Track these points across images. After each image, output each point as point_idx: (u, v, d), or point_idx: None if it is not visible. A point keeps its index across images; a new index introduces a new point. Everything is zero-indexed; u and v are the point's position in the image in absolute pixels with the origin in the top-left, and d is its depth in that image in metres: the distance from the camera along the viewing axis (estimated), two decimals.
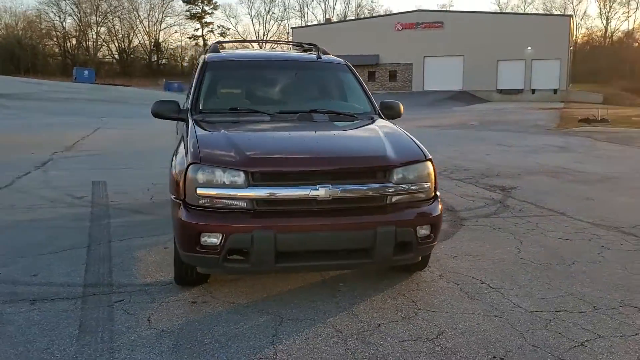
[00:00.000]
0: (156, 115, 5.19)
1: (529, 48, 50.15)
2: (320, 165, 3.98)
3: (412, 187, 4.11)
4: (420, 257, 4.43)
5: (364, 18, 67.06)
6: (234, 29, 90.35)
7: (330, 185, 3.87)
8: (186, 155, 4.11)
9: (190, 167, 3.94)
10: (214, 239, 3.84)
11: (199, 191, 3.88)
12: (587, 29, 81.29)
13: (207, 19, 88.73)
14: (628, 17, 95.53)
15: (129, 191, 8.18)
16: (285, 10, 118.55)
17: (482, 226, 6.42)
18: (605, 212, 7.15)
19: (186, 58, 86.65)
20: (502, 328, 3.78)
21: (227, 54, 5.83)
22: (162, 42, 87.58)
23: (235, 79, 5.57)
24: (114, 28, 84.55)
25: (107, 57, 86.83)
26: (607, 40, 79.79)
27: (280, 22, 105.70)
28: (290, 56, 6.07)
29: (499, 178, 9.77)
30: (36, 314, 3.94)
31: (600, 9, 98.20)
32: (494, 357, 3.40)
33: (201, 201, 3.90)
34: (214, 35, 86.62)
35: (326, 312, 4.01)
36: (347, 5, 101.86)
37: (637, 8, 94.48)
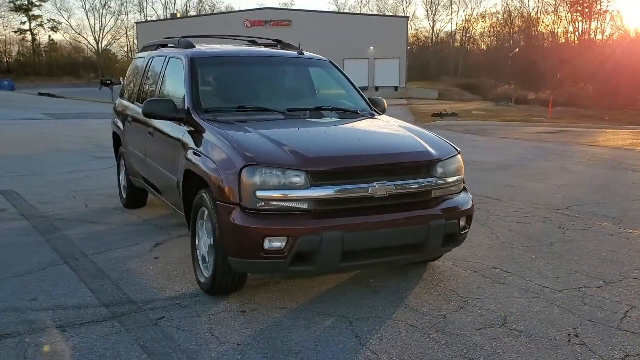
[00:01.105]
0: (150, 115, 4.81)
1: (372, 47, 52.84)
2: (377, 162, 3.97)
3: (450, 180, 4.24)
4: None
5: (213, 14, 65.93)
6: (67, 22, 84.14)
7: (387, 182, 3.88)
8: (231, 157, 3.86)
9: (246, 169, 3.72)
10: (277, 243, 3.67)
11: (259, 194, 3.69)
12: (416, 29, 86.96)
13: (35, 11, 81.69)
14: (451, 19, 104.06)
15: (54, 200, 7.39)
16: (122, 4, 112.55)
17: None
18: (532, 197, 7.85)
19: (13, 54, 79.10)
20: (550, 308, 4.05)
21: (209, 49, 5.52)
22: None
23: (228, 76, 5.30)
24: None
25: None
26: (434, 40, 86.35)
27: (117, 16, 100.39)
28: (276, 52, 5.90)
29: None
30: (79, 342, 3.48)
31: (427, 11, 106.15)
32: (569, 334, 3.65)
33: (259, 204, 3.71)
34: (44, 29, 79.97)
35: (384, 309, 4.00)
36: (188, 1, 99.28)
37: (457, 11, 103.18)
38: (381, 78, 53.33)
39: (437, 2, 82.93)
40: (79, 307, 4.00)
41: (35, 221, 6.35)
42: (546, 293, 4.32)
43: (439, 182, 4.14)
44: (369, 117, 5.10)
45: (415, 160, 4.12)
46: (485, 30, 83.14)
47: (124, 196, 7.00)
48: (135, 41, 61.58)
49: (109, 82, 36.21)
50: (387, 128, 4.79)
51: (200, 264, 4.34)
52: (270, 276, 4.47)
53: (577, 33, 66.83)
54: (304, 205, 3.73)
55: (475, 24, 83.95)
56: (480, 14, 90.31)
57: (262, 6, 56.60)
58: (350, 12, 56.05)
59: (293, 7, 72.41)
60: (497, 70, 57.05)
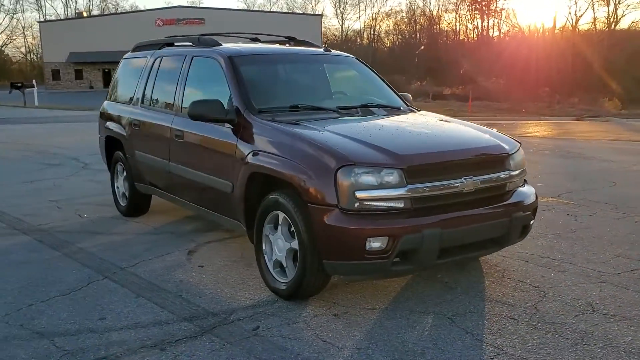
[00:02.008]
0: (198, 117, 4.57)
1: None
2: (466, 157, 3.97)
3: (519, 173, 4.31)
4: None
5: (124, 13, 63.31)
6: None
7: (473, 177, 3.89)
8: (322, 158, 3.72)
9: (343, 169, 3.60)
10: (378, 244, 3.58)
11: (359, 194, 3.58)
12: (325, 27, 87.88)
13: None
14: (359, 17, 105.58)
15: (39, 212, 6.84)
16: (17, 1, 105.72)
17: None
18: None
19: None
20: (623, 291, 4.19)
21: (243, 48, 5.30)
22: None
23: (269, 75, 5.11)
24: None
25: None
26: (343, 38, 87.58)
27: (12, 15, 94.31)
28: (308, 50, 5.76)
29: None
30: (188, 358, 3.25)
31: (335, 9, 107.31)
32: None
33: (357, 204, 3.60)
34: None
35: (473, 304, 3.99)
36: (90, 0, 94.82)
37: (365, 9, 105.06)
38: None
39: (345, 0, 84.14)
40: (158, 323, 3.72)
41: (36, 235, 5.84)
42: (607, 277, 4.48)
43: (512, 174, 4.20)
44: (414, 113, 5.09)
45: (495, 154, 4.15)
46: (391, 28, 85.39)
47: (123, 204, 6.60)
48: (39, 42, 58.17)
49: (20, 85, 33.97)
50: (450, 123, 4.80)
51: (271, 270, 4.17)
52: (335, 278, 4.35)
53: (476, 30, 70.08)
54: (400, 204, 3.67)
55: (382, 22, 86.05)
56: (386, 13, 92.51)
57: (173, 5, 55.06)
58: (265, 10, 55.46)
59: (204, 5, 70.82)
60: (403, 67, 58.62)
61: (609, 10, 54.99)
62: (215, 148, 4.73)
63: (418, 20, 78.31)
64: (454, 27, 74.22)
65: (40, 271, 4.75)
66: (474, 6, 69.13)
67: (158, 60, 5.96)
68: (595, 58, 44.50)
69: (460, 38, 71.68)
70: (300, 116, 4.52)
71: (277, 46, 5.94)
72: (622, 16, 59.31)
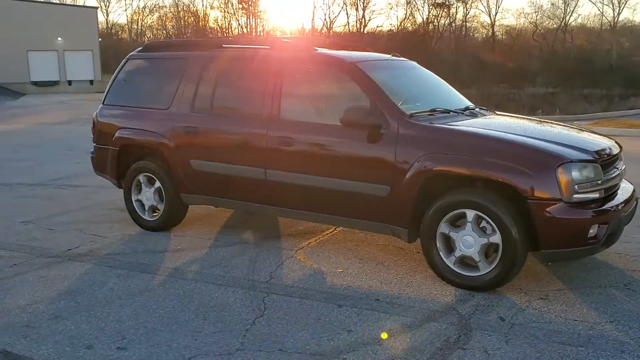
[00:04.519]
0: (351, 124, 4.58)
1: (60, 39, 48.51)
2: (618, 151, 4.66)
3: None
4: None
5: None
6: None
7: (618, 168, 4.61)
8: (536, 156, 4.11)
9: (563, 166, 4.03)
10: (596, 230, 4.10)
11: (578, 188, 4.05)
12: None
13: None
14: (125, 10, 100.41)
15: (53, 236, 5.88)
16: None
17: None
18: None
19: None
20: None
21: (354, 54, 5.34)
22: None
23: (390, 80, 5.13)
24: None
25: None
26: (107, 32, 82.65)
27: None
28: (391, 57, 5.86)
29: None
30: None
31: (99, 2, 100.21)
32: None
33: (575, 197, 4.07)
34: None
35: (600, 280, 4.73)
36: None
37: (131, 3, 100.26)
38: (74, 71, 49.40)
39: None
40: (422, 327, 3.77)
41: (91, 260, 5.10)
42: None
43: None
44: (495, 114, 5.58)
45: (619, 150, 4.88)
46: (155, 24, 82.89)
47: (150, 218, 6.01)
48: None
49: None
50: (547, 123, 5.44)
51: (451, 266, 4.40)
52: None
53: (244, 30, 71.97)
54: (599, 194, 4.22)
55: (147, 17, 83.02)
56: (150, 8, 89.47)
57: None
58: (35, 0, 49.69)
59: None
60: None
61: (357, 14, 61.71)
62: (359, 153, 4.71)
63: (183, 17, 77.47)
64: (222, 25, 75.11)
65: (187, 303, 4.27)
66: (241, 4, 70.88)
67: (216, 63, 5.58)
68: None
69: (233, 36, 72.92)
70: (445, 119, 4.78)
71: (365, 52, 5.97)
72: (369, 20, 66.65)
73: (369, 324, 3.82)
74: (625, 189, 4.67)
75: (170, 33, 77.17)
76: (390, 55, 5.93)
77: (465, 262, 4.38)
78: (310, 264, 4.98)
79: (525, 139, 4.35)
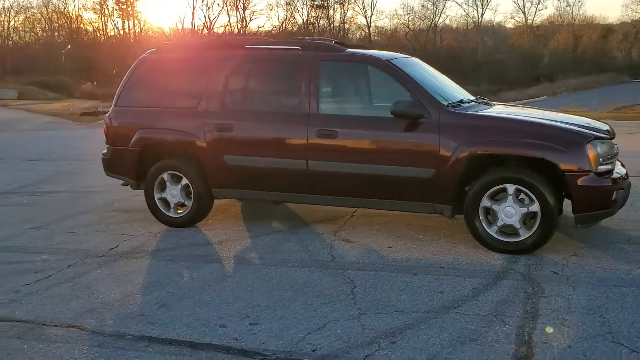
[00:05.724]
0: (401, 115, 5.13)
1: None
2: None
3: None
4: None
5: None
6: None
7: None
8: (567, 135, 4.87)
9: (591, 143, 4.84)
10: (615, 195, 4.95)
11: (602, 160, 4.88)
12: None
13: None
14: None
15: (85, 238, 5.87)
16: None
17: None
18: None
19: None
20: None
21: (378, 53, 5.80)
22: None
23: (417, 75, 5.67)
24: None
25: None
26: None
27: None
28: (404, 55, 6.36)
29: None
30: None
31: None
32: None
33: (599, 168, 4.89)
34: None
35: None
36: None
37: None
38: None
39: None
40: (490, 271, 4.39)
41: (156, 259, 5.25)
42: None
43: None
44: (499, 104, 6.35)
45: None
46: (20, 25, 77.62)
47: (176, 215, 6.17)
48: None
49: None
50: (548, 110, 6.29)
51: (493, 234, 5.04)
52: None
53: (120, 30, 69.82)
54: (611, 166, 5.06)
55: (13, 19, 77.53)
56: (17, 10, 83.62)
57: None
58: None
59: None
60: (48, 68, 55.14)
61: (237, 15, 62.61)
62: (404, 140, 5.27)
63: (52, 18, 73.34)
64: (99, 27, 72.08)
65: (276, 283, 4.60)
66: (118, 5, 68.46)
67: (246, 63, 5.88)
68: None
69: (108, 37, 70.34)
70: (473, 107, 5.47)
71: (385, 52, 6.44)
72: (250, 20, 67.27)
73: (453, 285, 4.38)
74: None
75: (39, 35, 72.80)
76: (400, 54, 6.51)
77: (503, 230, 5.06)
78: (358, 244, 5.44)
79: (551, 122, 5.12)
